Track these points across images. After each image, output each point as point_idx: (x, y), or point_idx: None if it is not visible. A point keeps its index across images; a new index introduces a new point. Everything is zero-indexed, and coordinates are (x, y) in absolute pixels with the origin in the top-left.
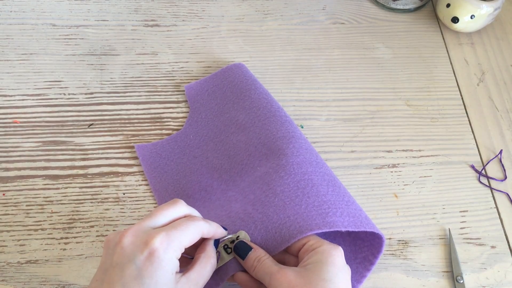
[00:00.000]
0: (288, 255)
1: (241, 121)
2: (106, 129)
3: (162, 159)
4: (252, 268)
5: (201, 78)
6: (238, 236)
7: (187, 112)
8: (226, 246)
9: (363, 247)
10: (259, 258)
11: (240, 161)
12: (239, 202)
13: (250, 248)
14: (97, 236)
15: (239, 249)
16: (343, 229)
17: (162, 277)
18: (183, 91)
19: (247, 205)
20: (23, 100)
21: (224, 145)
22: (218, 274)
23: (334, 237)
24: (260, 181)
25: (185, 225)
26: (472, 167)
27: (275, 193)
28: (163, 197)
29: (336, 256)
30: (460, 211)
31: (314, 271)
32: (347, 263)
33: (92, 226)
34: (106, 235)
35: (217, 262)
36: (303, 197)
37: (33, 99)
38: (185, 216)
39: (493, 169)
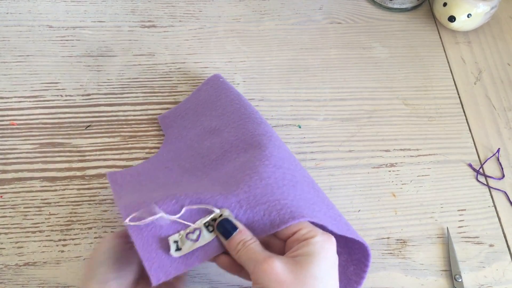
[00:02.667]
0: (274, 238)
1: (214, 127)
2: (103, 130)
3: (133, 177)
4: (235, 251)
5: (174, 107)
6: (222, 214)
7: None
8: (207, 224)
9: (355, 249)
10: (244, 241)
11: (215, 158)
12: (218, 186)
13: (235, 228)
14: (95, 237)
15: (223, 228)
16: (329, 227)
17: None
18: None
19: (230, 187)
20: (20, 102)
21: (197, 150)
22: (195, 254)
23: None
24: (241, 167)
25: None
26: (470, 165)
27: (262, 177)
28: (127, 201)
29: (329, 249)
30: (458, 210)
31: (304, 265)
32: (344, 264)
33: (90, 228)
34: (105, 236)
35: (198, 240)
36: (290, 188)
37: (30, 101)
38: None
39: (490, 168)
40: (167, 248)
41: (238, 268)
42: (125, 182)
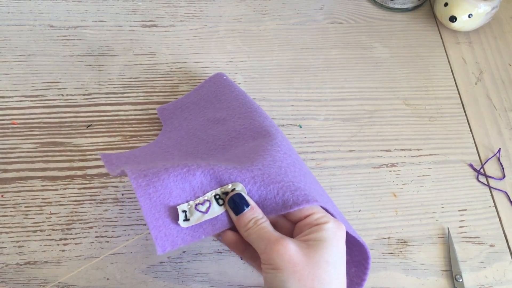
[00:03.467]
0: (283, 219)
1: (219, 117)
2: (104, 130)
3: (129, 159)
4: (245, 228)
5: (174, 100)
6: (234, 189)
7: None
8: (218, 197)
9: (355, 251)
10: (256, 219)
11: (221, 144)
12: (231, 163)
13: (247, 205)
14: (96, 237)
15: (235, 203)
16: (337, 218)
17: None
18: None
19: (243, 163)
20: (21, 101)
21: (201, 137)
22: (203, 227)
23: None
24: (253, 149)
25: None
26: (471, 166)
27: (275, 160)
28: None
29: (341, 237)
30: (459, 210)
31: (317, 250)
32: (346, 265)
33: (91, 227)
34: (105, 235)
35: (207, 213)
36: (301, 175)
37: (31, 100)
38: None
39: (491, 168)
40: (174, 217)
41: (243, 248)
42: (120, 163)
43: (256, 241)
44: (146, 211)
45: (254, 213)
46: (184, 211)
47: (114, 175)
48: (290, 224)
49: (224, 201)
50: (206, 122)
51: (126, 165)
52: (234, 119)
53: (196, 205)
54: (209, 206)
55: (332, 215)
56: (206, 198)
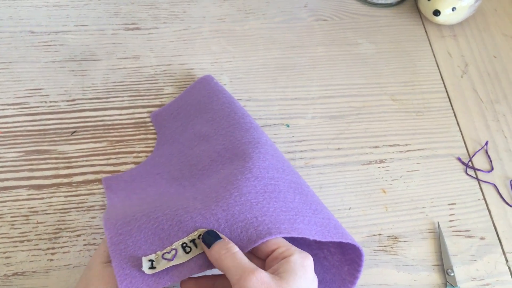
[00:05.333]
0: (254, 257)
1: (204, 133)
2: (89, 136)
3: (127, 184)
4: (218, 255)
5: (166, 104)
6: (200, 235)
7: None
8: (184, 245)
9: (348, 249)
10: (229, 248)
11: (202, 168)
12: (199, 201)
13: (219, 238)
14: (84, 245)
15: (207, 238)
16: (311, 238)
17: None
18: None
19: (210, 203)
20: (3, 109)
21: (187, 157)
22: (169, 274)
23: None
24: (224, 181)
25: None
26: (459, 159)
27: (241, 193)
28: (113, 222)
29: (308, 267)
30: (448, 204)
31: (288, 281)
32: (338, 264)
33: (79, 235)
34: (94, 243)
35: (172, 260)
36: (270, 201)
37: (13, 108)
38: None
39: (479, 161)
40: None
41: None
42: (119, 188)
43: (230, 270)
44: (115, 264)
45: (227, 244)
46: (151, 260)
47: (107, 208)
48: (261, 262)
49: (190, 249)
50: (193, 136)
51: (115, 204)
52: (216, 136)
53: (163, 254)
54: (175, 254)
55: (301, 241)
56: (173, 247)
